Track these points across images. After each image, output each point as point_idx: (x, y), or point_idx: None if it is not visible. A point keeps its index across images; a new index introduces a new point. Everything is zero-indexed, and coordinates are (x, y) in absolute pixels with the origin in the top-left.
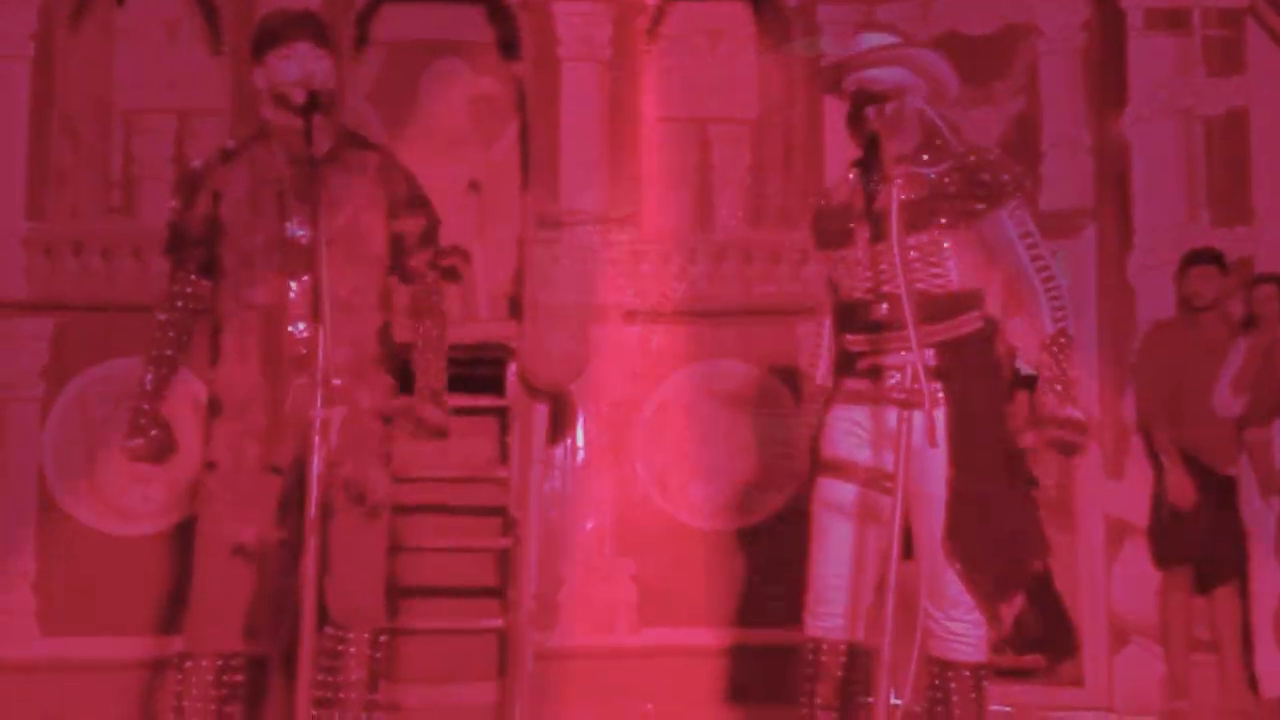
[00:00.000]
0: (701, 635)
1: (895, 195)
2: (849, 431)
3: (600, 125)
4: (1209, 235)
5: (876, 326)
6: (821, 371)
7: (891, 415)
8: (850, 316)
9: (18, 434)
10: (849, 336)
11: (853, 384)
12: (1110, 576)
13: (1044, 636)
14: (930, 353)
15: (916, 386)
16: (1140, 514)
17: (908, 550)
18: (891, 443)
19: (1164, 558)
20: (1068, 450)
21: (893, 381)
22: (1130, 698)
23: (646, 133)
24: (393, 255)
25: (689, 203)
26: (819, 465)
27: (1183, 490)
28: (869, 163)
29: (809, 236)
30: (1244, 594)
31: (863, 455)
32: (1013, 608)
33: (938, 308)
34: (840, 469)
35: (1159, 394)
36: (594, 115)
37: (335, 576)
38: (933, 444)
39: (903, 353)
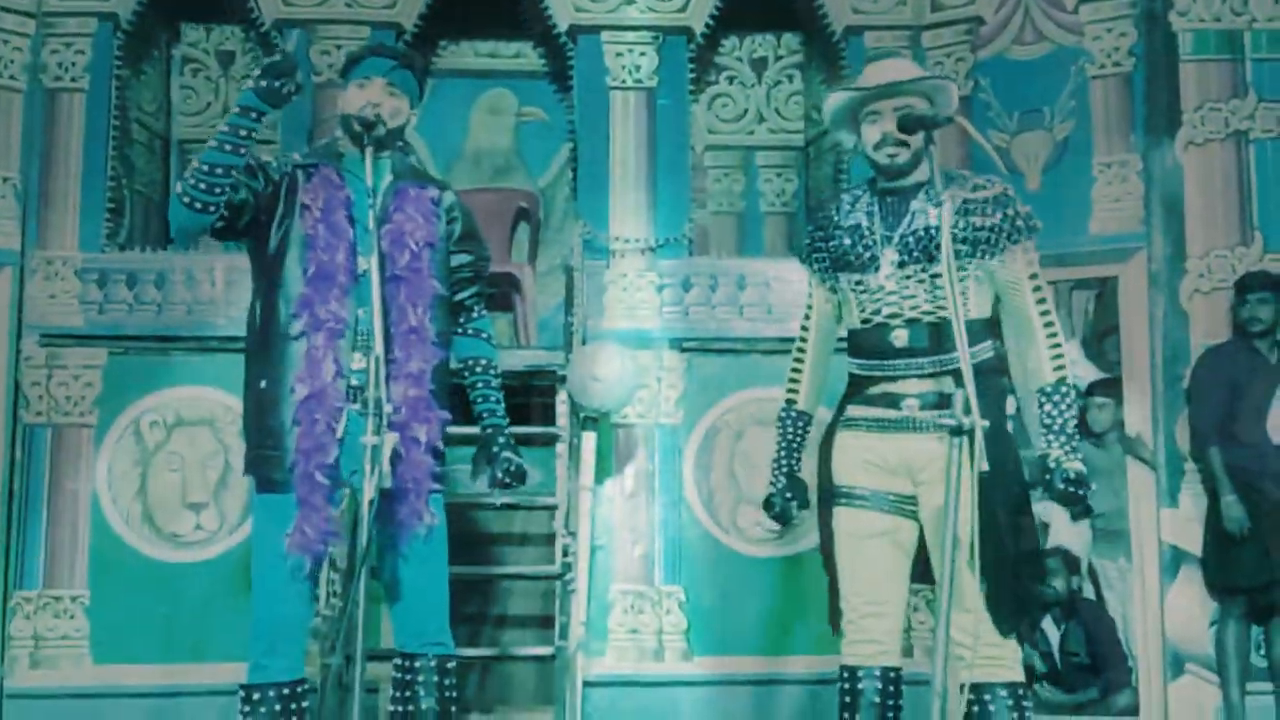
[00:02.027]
0: (751, 663)
1: (947, 218)
2: (863, 459)
3: (649, 153)
4: (1263, 259)
5: (893, 353)
6: (803, 397)
7: (910, 441)
8: (863, 342)
9: (72, 462)
10: (860, 362)
11: (863, 411)
12: (1165, 605)
13: (1097, 667)
14: (950, 380)
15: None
16: (1195, 542)
17: (929, 577)
18: (909, 469)
19: (1219, 586)
20: (1071, 503)
21: (909, 408)
22: None
23: (694, 160)
24: (449, 290)
25: (738, 230)
26: (837, 494)
27: (1235, 515)
28: (894, 186)
29: (807, 255)
30: None
31: (880, 482)
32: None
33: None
34: (860, 496)
35: (1213, 419)
36: (643, 143)
37: (400, 605)
38: (984, 468)
39: (917, 380)
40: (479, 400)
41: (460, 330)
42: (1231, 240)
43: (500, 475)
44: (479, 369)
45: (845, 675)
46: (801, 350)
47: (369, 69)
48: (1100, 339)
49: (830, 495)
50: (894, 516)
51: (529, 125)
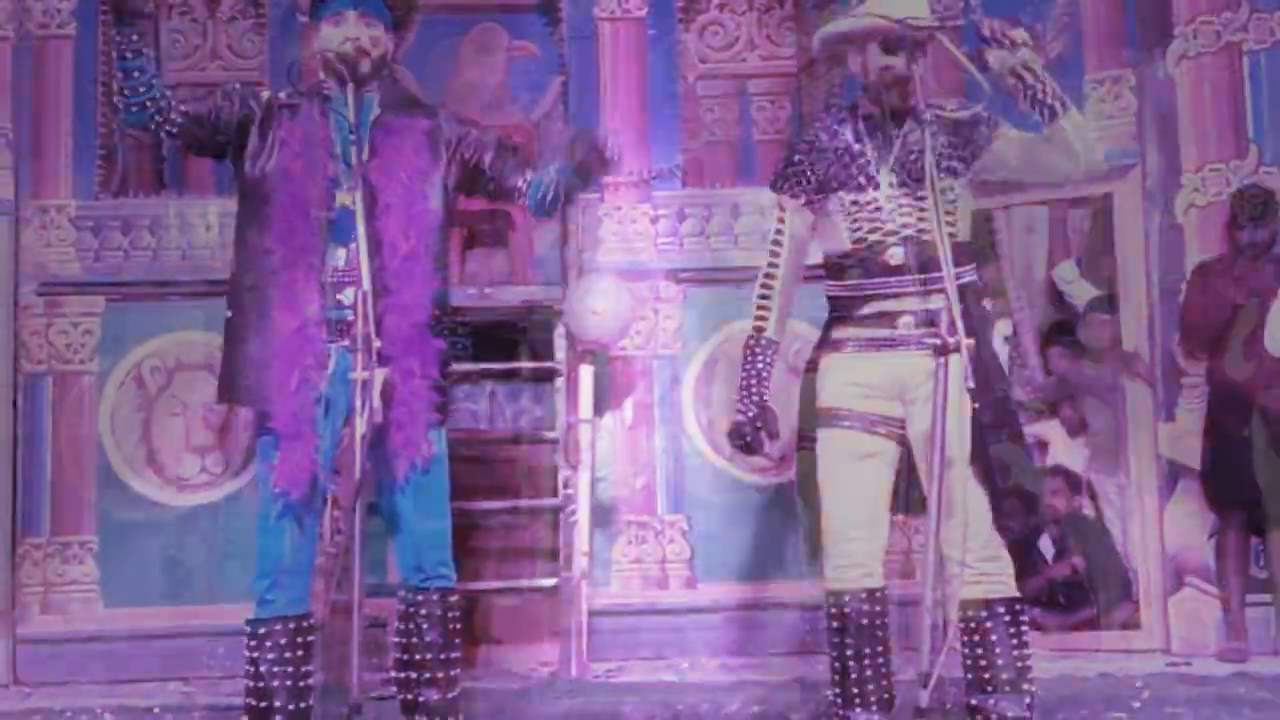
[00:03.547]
0: (754, 589)
1: (929, 140)
2: (852, 381)
3: (641, 84)
4: (1257, 172)
5: (889, 271)
6: (772, 325)
7: (904, 360)
8: (854, 264)
9: (74, 409)
10: (849, 284)
11: (854, 332)
12: (1164, 519)
13: (1096, 584)
14: (940, 298)
15: (953, 334)
16: (1192, 456)
17: (920, 505)
18: (900, 389)
19: (1218, 500)
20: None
21: (904, 326)
22: (1187, 640)
23: (686, 90)
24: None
25: (730, 159)
26: (823, 417)
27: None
28: (888, 106)
29: (785, 180)
30: None
31: (867, 404)
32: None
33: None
34: (847, 418)
35: (1208, 333)
36: (634, 75)
37: (400, 539)
38: (969, 384)
39: (911, 297)
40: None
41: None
42: (1226, 154)
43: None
44: (537, 177)
45: (831, 600)
46: (771, 278)
47: (338, 3)
48: (1097, 257)
49: (817, 418)
50: (880, 438)
51: (520, 60)
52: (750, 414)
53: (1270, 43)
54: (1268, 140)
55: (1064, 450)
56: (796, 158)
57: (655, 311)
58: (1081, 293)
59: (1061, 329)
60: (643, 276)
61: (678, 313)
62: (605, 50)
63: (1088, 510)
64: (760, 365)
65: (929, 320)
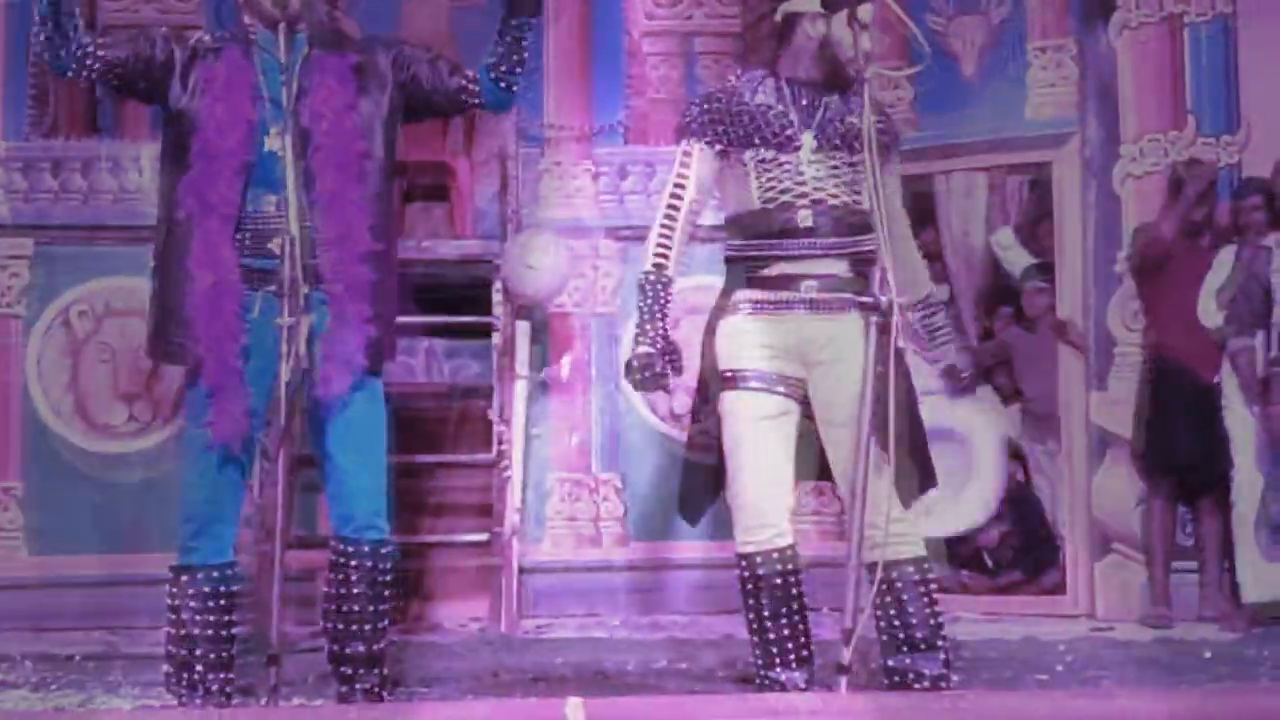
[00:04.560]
0: (687, 548)
1: (868, 103)
2: (754, 342)
3: (584, 40)
4: (1195, 143)
5: (795, 234)
6: (672, 264)
7: (806, 323)
8: (759, 223)
9: (1, 352)
10: (752, 243)
11: (754, 294)
12: (1092, 486)
13: (1024, 548)
14: (845, 265)
15: (886, 293)
16: (1123, 424)
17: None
18: (800, 352)
19: (1147, 468)
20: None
21: (807, 289)
22: (1112, 606)
23: (631, 46)
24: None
25: (674, 117)
26: (725, 380)
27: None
28: (820, 71)
29: (700, 125)
30: (1225, 503)
31: (770, 364)
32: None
33: (855, 225)
34: (752, 378)
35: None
36: (578, 30)
37: (331, 489)
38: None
39: (816, 261)
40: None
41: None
42: (1165, 124)
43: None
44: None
45: (743, 563)
46: (672, 218)
47: None
48: (1034, 224)
49: (719, 381)
50: (784, 399)
51: (464, 10)
52: (658, 346)
53: (1210, 15)
54: (1205, 111)
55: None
56: (715, 106)
57: (594, 269)
58: (1018, 259)
59: (1004, 295)
60: (583, 234)
61: (616, 270)
62: (550, 4)
63: (1019, 477)
64: (663, 300)
65: (837, 285)
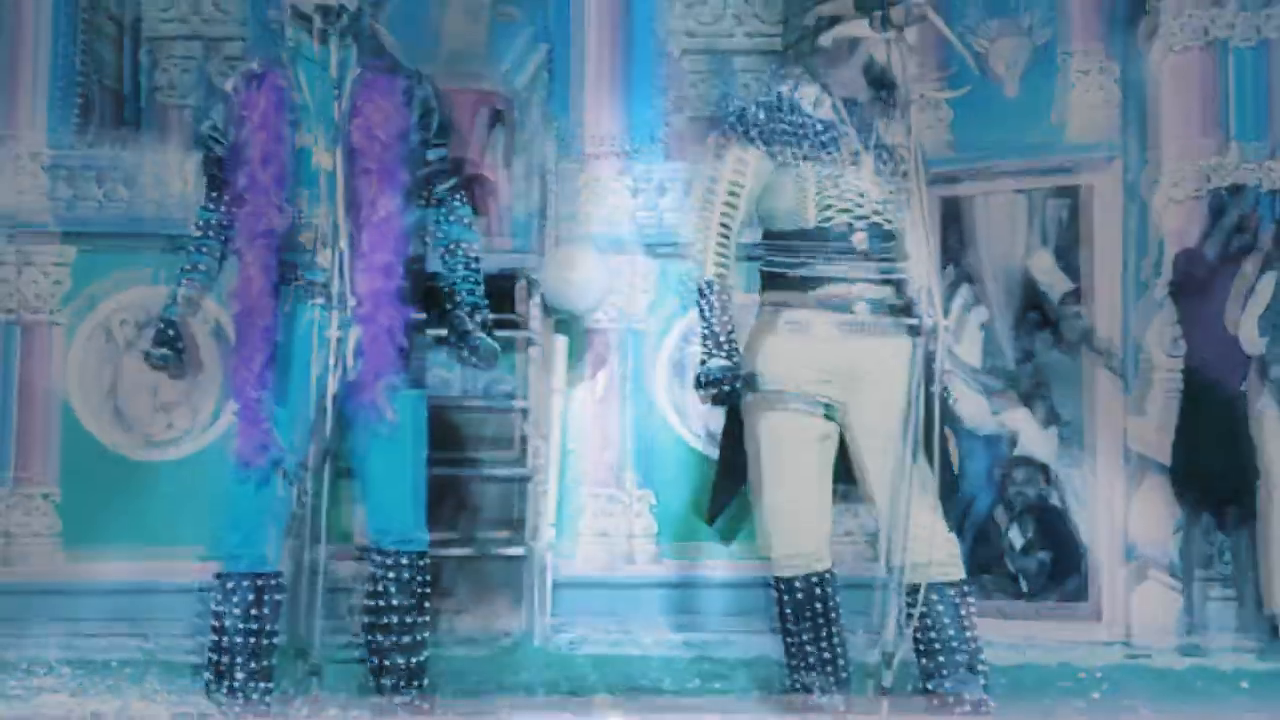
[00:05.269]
0: (720, 566)
1: (914, 131)
2: (800, 363)
3: (625, 56)
4: (1238, 168)
5: (850, 255)
6: (730, 274)
7: (857, 344)
8: (813, 240)
9: (42, 359)
10: (803, 260)
11: (806, 315)
12: (1130, 512)
13: (1059, 573)
14: (892, 288)
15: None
16: (1161, 450)
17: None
18: (849, 373)
19: (1184, 494)
20: None
21: (860, 313)
22: (1148, 632)
23: (671, 64)
24: (423, 182)
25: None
26: (768, 399)
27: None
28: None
29: (760, 131)
30: (1253, 515)
31: (814, 386)
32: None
33: (899, 247)
34: (796, 401)
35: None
36: (619, 47)
37: (370, 501)
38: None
39: (869, 284)
40: (460, 281)
41: (442, 218)
42: (1207, 149)
43: (467, 353)
44: (460, 252)
45: (781, 586)
46: (727, 226)
47: None
48: (1073, 248)
49: (762, 399)
50: (825, 422)
51: (504, 26)
52: (734, 359)
53: (1254, 39)
54: (1248, 137)
55: (1034, 440)
56: (776, 115)
57: (630, 284)
58: (1057, 283)
59: (1044, 318)
60: (619, 249)
61: (653, 287)
62: (590, 20)
63: (1055, 501)
64: (731, 313)
65: (887, 309)
